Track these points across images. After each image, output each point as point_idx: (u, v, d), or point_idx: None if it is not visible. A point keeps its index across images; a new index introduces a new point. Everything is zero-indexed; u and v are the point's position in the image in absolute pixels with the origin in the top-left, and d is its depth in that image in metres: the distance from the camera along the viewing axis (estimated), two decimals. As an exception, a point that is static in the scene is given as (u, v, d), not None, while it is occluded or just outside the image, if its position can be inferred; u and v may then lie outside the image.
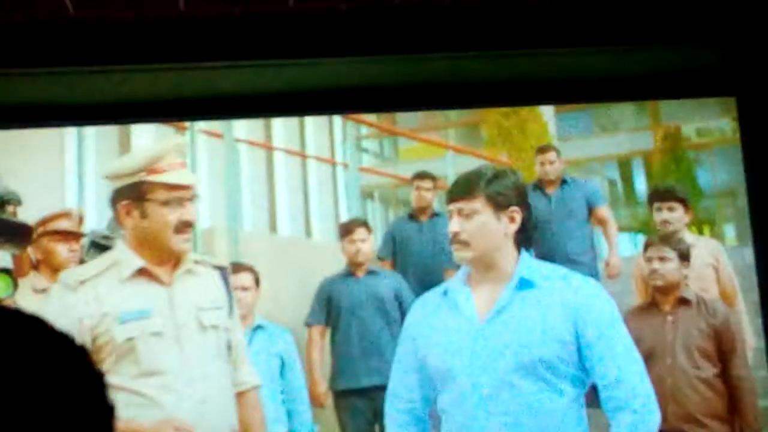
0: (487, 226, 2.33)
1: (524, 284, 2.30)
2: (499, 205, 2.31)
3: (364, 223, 4.16)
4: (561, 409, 2.26)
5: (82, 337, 2.21)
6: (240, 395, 2.46)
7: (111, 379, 2.18)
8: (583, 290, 2.32)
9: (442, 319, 2.33)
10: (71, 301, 2.27)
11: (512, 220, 2.33)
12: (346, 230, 4.11)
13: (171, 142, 2.52)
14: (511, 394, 2.21)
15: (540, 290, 2.28)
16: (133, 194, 2.35)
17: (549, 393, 2.24)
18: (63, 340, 0.75)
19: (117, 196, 2.38)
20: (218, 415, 2.35)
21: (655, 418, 2.30)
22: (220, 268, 2.49)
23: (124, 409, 2.17)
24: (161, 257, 2.35)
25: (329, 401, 3.87)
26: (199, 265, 2.44)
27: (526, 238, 2.37)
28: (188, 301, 2.36)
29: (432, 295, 2.42)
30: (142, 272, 2.33)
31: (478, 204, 2.32)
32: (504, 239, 2.33)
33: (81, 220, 3.38)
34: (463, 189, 2.35)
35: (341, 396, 3.84)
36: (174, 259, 2.37)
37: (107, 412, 0.75)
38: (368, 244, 4.07)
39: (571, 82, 2.63)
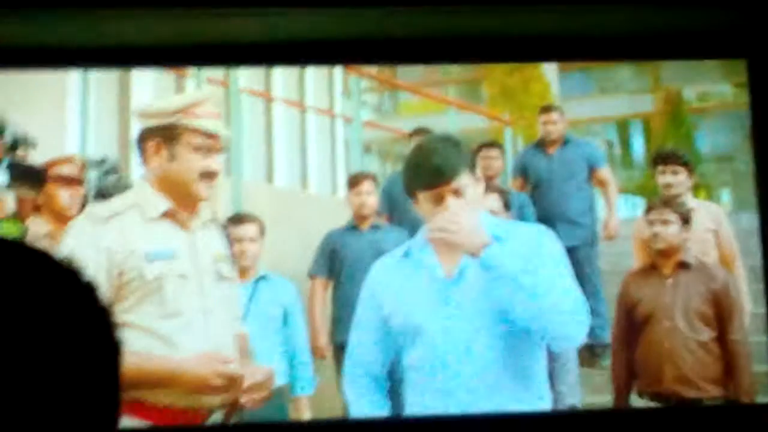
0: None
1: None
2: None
3: (372, 176, 4.14)
4: (533, 359, 2.24)
5: (111, 270, 2.19)
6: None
7: (130, 317, 2.18)
8: (541, 239, 2.28)
9: (407, 278, 2.28)
10: (101, 234, 2.24)
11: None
12: (353, 182, 4.09)
13: (209, 90, 2.51)
14: (484, 347, 2.19)
15: (503, 244, 2.24)
16: (164, 134, 2.33)
17: (520, 343, 2.21)
18: (69, 274, 0.74)
19: (147, 134, 2.35)
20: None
21: (573, 331, 2.19)
22: (222, 225, 2.49)
23: (139, 346, 2.17)
24: (183, 202, 2.33)
25: (330, 353, 3.88)
26: (212, 220, 2.44)
27: None
28: (207, 250, 2.35)
29: (392, 258, 2.37)
30: (166, 214, 2.31)
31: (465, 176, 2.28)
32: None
33: (83, 167, 3.37)
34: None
35: (341, 349, 3.85)
36: (193, 207, 2.35)
37: (112, 348, 0.75)
38: (374, 197, 4.05)
39: (575, 39, 2.61)
